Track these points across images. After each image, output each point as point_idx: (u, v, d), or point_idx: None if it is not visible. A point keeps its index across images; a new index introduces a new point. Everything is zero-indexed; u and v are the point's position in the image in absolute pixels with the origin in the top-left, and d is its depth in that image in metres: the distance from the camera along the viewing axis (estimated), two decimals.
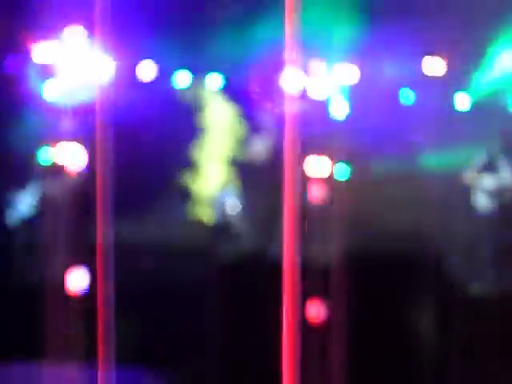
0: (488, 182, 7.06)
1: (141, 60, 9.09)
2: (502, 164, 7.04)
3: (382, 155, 9.57)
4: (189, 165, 10.75)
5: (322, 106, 9.51)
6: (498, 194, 6.91)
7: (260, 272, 5.16)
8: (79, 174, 7.60)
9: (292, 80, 7.07)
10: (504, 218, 6.90)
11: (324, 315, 3.62)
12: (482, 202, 7.01)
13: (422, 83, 9.60)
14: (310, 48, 8.82)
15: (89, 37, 7.20)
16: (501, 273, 6.81)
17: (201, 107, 10.67)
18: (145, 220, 8.39)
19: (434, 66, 9.29)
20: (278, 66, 8.90)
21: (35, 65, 8.41)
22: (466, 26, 6.40)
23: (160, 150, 10.00)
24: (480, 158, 7.19)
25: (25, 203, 7.72)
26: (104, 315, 3.53)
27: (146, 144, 9.50)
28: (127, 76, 8.80)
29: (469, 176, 7.18)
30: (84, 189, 7.05)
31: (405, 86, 9.71)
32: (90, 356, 3.87)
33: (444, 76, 9.22)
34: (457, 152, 7.86)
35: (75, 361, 4.11)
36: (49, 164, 7.92)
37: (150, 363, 4.38)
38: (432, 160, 9.16)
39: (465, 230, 7.91)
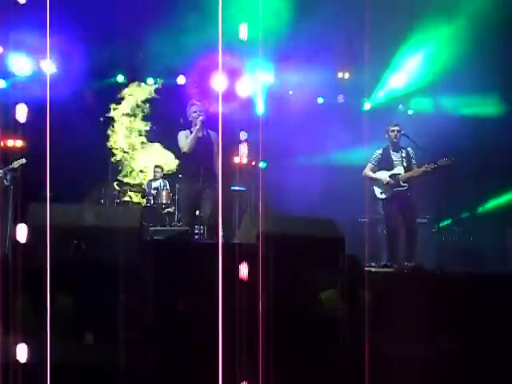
0: (382, 175, 7.27)
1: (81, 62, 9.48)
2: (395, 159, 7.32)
3: (297, 150, 10.29)
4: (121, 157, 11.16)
5: (248, 103, 10.05)
6: (391, 184, 7.20)
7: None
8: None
9: (222, 80, 7.31)
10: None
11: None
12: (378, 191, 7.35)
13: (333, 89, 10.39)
14: (237, 49, 9.38)
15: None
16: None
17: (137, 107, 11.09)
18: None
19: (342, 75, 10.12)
20: (209, 67, 9.39)
21: None
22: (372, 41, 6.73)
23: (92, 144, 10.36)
24: (377, 154, 7.41)
25: None
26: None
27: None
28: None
29: (368, 170, 7.38)
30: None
31: (318, 90, 10.50)
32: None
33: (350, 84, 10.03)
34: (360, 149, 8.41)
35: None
36: None
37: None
38: (340, 156, 9.97)
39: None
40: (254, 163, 9.65)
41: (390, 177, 7.32)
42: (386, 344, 4.29)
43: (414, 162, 7.30)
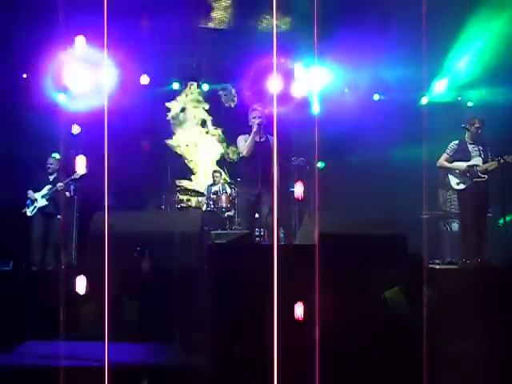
0: (458, 166, 7.18)
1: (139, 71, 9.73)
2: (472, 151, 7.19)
3: (357, 149, 10.25)
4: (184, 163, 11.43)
5: (303, 105, 10.05)
6: (469, 175, 7.09)
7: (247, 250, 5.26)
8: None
9: (277, 82, 7.37)
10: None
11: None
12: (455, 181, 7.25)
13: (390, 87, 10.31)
14: (291, 52, 9.42)
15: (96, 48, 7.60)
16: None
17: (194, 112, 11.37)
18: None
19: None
20: (264, 69, 9.44)
21: (49, 74, 8.95)
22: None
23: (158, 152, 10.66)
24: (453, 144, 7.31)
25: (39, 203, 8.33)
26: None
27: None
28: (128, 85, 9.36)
29: (443, 160, 7.28)
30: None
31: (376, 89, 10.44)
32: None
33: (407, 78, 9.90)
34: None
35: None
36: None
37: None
38: (398, 152, 9.87)
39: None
40: (311, 163, 9.64)
41: (468, 167, 7.22)
42: (450, 342, 4.22)
43: (490, 154, 7.20)
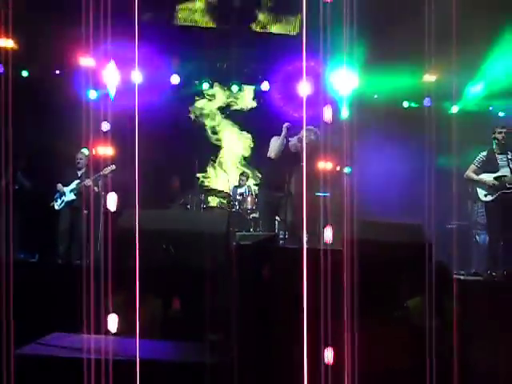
0: (487, 177, 7.14)
1: (168, 72, 9.83)
2: (500, 162, 7.17)
3: (385, 156, 10.21)
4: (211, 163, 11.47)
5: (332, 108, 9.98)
6: (496, 187, 7.06)
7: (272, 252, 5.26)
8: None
9: (309, 86, 7.42)
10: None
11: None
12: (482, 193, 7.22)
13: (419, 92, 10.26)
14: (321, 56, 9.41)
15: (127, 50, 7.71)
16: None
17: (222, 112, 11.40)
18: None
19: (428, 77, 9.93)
20: (295, 73, 9.47)
21: (81, 72, 9.10)
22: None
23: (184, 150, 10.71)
24: (481, 155, 7.29)
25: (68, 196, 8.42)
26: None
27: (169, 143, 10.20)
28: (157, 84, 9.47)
29: (471, 172, 7.26)
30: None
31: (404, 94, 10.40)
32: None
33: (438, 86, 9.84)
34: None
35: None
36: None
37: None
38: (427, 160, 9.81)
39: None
40: (338, 168, 9.63)
41: (495, 179, 7.18)
42: (472, 353, 4.20)
43: None
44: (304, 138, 6.68)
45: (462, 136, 7.53)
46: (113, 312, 3.67)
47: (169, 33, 9.02)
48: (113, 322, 3.57)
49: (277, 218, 7.73)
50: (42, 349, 3.41)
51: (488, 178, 7.23)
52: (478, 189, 7.30)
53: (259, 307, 4.06)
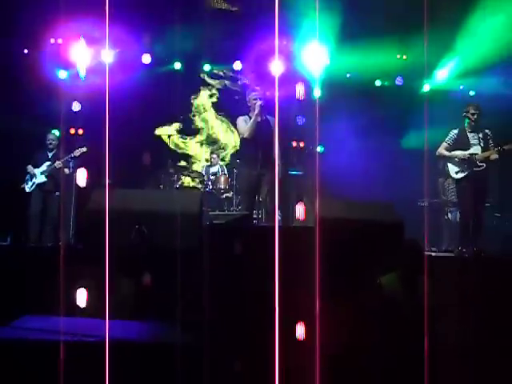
0: (457, 154, 7.10)
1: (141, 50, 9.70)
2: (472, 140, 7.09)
3: (356, 135, 10.25)
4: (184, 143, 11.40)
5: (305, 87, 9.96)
6: (468, 164, 7.01)
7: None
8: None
9: (278, 64, 7.33)
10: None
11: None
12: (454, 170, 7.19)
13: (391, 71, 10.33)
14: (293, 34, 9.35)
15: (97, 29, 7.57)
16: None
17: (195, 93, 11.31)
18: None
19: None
20: (267, 52, 9.40)
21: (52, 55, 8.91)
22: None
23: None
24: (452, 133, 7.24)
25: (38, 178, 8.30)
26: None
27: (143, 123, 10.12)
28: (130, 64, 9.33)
29: (443, 149, 7.21)
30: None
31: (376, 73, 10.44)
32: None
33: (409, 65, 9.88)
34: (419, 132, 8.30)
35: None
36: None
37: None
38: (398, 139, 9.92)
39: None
40: (311, 147, 9.65)
41: (466, 155, 7.19)
42: (442, 325, 4.26)
43: (491, 143, 7.14)
44: (276, 118, 6.62)
45: (434, 114, 7.64)
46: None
47: (140, 11, 8.87)
48: (81, 296, 3.54)
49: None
50: (12, 332, 3.39)
51: (461, 154, 7.19)
52: (449, 166, 7.31)
53: (231, 285, 4.06)
